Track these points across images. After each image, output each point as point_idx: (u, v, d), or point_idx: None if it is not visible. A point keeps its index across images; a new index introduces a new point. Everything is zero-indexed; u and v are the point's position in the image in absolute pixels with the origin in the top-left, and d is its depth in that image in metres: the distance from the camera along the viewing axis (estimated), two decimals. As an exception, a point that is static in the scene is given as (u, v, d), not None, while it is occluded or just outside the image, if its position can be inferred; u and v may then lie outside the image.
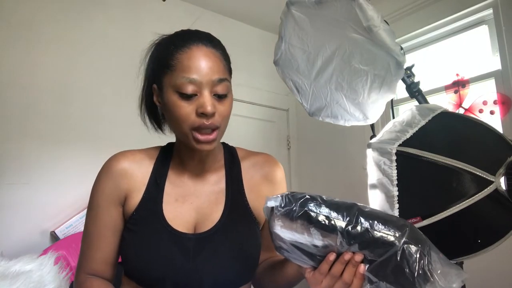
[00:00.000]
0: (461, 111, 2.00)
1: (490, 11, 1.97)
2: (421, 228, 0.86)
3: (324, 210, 0.61)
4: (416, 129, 0.92)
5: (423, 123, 0.93)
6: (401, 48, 1.10)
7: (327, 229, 0.60)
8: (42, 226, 1.81)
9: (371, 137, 1.07)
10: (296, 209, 0.61)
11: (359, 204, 0.65)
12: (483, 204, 0.81)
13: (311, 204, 0.62)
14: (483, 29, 2.05)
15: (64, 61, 2.01)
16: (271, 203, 0.64)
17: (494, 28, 1.95)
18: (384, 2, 2.28)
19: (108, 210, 0.80)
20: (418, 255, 0.57)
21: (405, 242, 0.58)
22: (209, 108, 0.73)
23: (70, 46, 2.04)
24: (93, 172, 0.86)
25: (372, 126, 1.31)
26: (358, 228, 0.60)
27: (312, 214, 0.61)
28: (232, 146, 0.95)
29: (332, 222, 0.60)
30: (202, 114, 0.74)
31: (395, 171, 0.89)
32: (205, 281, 0.76)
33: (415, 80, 1.22)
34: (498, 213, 0.84)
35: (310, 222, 0.61)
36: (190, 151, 0.84)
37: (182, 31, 0.83)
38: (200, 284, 0.76)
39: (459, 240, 0.88)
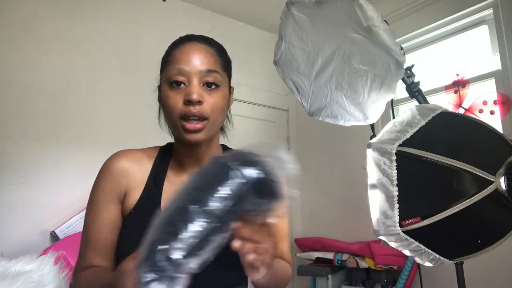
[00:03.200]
0: (461, 111, 1.99)
1: (490, 11, 1.97)
2: (421, 228, 0.86)
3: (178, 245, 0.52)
4: (416, 129, 0.92)
5: (423, 123, 0.93)
6: (401, 48, 1.11)
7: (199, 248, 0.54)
8: (42, 226, 1.81)
9: (371, 137, 1.07)
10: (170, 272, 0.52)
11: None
12: (483, 204, 0.81)
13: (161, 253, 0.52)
14: (483, 29, 2.05)
15: (64, 61, 2.01)
16: None
17: (494, 28, 1.95)
18: (384, 2, 2.28)
19: (108, 208, 0.81)
20: (257, 178, 0.55)
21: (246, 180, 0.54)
22: (194, 96, 0.75)
23: (70, 46, 2.04)
24: (93, 172, 0.86)
25: (372, 126, 1.31)
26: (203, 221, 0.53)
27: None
28: (231, 148, 0.96)
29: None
30: (188, 102, 0.76)
31: (395, 171, 0.89)
32: (200, 279, 0.76)
33: (415, 80, 1.22)
34: (498, 213, 0.84)
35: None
36: (187, 150, 0.85)
37: (185, 35, 0.87)
38: (195, 283, 0.75)
39: (459, 240, 0.88)
